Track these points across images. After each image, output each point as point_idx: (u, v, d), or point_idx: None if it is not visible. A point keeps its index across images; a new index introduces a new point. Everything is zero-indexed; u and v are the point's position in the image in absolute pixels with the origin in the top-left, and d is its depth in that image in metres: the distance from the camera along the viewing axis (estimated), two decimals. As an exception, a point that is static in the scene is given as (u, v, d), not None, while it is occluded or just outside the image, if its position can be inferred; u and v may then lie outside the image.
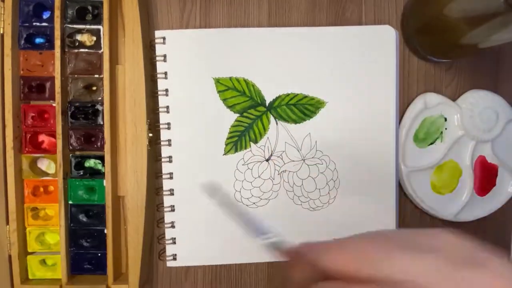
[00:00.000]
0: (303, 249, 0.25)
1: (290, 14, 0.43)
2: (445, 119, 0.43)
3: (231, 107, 0.41)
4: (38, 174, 0.40)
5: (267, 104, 0.42)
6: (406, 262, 0.20)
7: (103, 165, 0.39)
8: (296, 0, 0.43)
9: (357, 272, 0.21)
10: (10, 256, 0.38)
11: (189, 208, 0.41)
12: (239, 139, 0.42)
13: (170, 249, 0.42)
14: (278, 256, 0.27)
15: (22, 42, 0.39)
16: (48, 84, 0.39)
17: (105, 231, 0.39)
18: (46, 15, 0.39)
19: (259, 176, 0.42)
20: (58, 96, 0.38)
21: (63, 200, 0.39)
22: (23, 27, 0.38)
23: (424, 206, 0.43)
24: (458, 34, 0.36)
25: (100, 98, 0.39)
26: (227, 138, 0.42)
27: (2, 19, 0.37)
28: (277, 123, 0.42)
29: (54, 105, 0.38)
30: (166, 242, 0.42)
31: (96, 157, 0.40)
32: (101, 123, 0.39)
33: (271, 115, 0.42)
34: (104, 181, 0.39)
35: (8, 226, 0.38)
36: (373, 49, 0.42)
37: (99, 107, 0.39)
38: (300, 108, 0.42)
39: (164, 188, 0.41)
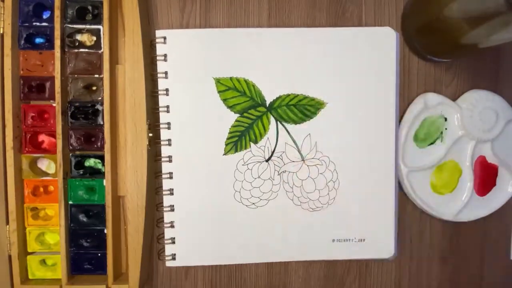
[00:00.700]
0: None
1: (290, 14, 0.43)
2: (445, 119, 0.43)
3: (231, 107, 0.41)
4: (38, 174, 0.40)
5: (267, 105, 0.42)
6: None
7: (103, 165, 0.39)
8: (296, 0, 0.43)
9: None
10: (10, 256, 0.38)
11: (189, 208, 0.41)
12: (239, 139, 0.42)
13: (169, 249, 0.42)
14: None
15: (22, 42, 0.39)
16: (48, 84, 0.39)
17: (105, 231, 0.39)
18: (46, 15, 0.39)
19: (259, 177, 0.42)
20: (58, 96, 0.38)
21: (63, 200, 0.39)
22: (23, 27, 0.38)
23: (424, 206, 0.43)
24: (458, 34, 0.36)
25: (100, 98, 0.39)
26: (227, 138, 0.42)
27: (2, 19, 0.37)
28: (277, 124, 0.42)
29: (54, 105, 0.38)
30: (166, 242, 0.42)
31: (96, 157, 0.40)
32: (101, 123, 0.39)
33: (271, 116, 0.42)
34: (104, 181, 0.39)
35: (8, 226, 0.38)
36: (374, 51, 0.42)
37: (99, 107, 0.39)
38: (300, 108, 0.42)
39: (164, 187, 0.41)
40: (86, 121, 0.39)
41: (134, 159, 0.39)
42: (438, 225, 0.45)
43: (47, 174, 0.40)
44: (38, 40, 0.39)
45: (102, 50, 0.39)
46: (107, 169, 0.38)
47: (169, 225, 0.41)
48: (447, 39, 0.39)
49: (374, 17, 0.43)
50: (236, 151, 0.42)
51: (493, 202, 0.44)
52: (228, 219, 0.42)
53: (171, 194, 0.41)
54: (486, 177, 0.44)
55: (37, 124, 0.39)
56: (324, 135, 0.42)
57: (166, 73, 0.41)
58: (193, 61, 0.41)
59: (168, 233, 0.42)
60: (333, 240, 0.43)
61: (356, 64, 0.42)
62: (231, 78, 0.41)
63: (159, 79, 0.41)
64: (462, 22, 0.35)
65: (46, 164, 0.40)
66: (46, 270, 0.40)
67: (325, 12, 0.43)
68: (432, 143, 0.43)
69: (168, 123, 0.41)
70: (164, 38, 0.40)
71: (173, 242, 0.42)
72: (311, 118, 0.42)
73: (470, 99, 0.43)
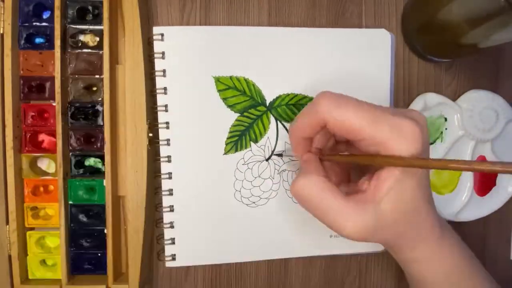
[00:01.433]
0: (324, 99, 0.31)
1: (290, 14, 0.43)
2: (445, 119, 0.43)
3: (231, 106, 0.41)
4: (38, 174, 0.40)
5: (267, 104, 0.42)
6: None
7: (103, 164, 0.39)
8: (296, 0, 0.43)
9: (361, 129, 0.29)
10: (10, 256, 0.38)
11: (189, 208, 0.41)
12: (239, 138, 0.42)
13: (169, 249, 0.42)
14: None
15: (22, 42, 0.38)
16: (48, 84, 0.39)
17: (105, 231, 0.39)
18: (46, 15, 0.39)
19: (259, 176, 0.42)
20: (58, 96, 0.38)
21: (63, 200, 0.39)
22: (23, 27, 0.38)
23: (424, 206, 0.43)
24: (458, 34, 0.36)
25: (100, 99, 0.39)
26: (228, 138, 0.41)
27: (2, 19, 0.37)
28: (277, 123, 0.42)
29: (54, 104, 0.38)
30: (165, 242, 0.42)
31: (96, 156, 0.40)
32: (101, 124, 0.39)
33: (272, 115, 0.42)
34: (104, 181, 0.39)
35: (8, 226, 0.38)
36: (369, 52, 0.42)
37: (99, 107, 0.39)
38: (300, 108, 0.42)
39: (163, 188, 0.41)
40: (86, 122, 0.39)
41: (134, 160, 0.39)
42: (438, 225, 0.45)
43: (47, 174, 0.40)
44: (38, 40, 0.39)
45: (102, 51, 0.39)
46: (107, 169, 0.38)
47: (168, 225, 0.41)
48: (447, 39, 0.39)
49: (374, 17, 0.43)
50: (236, 150, 0.42)
51: (493, 202, 0.44)
52: (228, 219, 0.42)
53: (171, 194, 0.41)
54: (486, 177, 0.44)
55: (37, 123, 0.39)
56: (324, 135, 0.42)
57: (164, 71, 0.40)
58: (192, 59, 0.40)
59: (168, 233, 0.41)
60: (331, 236, 0.43)
61: (354, 65, 0.42)
62: (231, 77, 0.41)
63: (157, 78, 0.40)
64: (462, 22, 0.35)
65: (46, 164, 0.40)
66: (46, 270, 0.40)
67: (325, 12, 0.43)
68: (432, 143, 0.43)
69: (167, 123, 0.41)
70: (162, 35, 0.40)
71: (173, 243, 0.42)
72: (311, 118, 0.42)
73: (470, 99, 0.43)
